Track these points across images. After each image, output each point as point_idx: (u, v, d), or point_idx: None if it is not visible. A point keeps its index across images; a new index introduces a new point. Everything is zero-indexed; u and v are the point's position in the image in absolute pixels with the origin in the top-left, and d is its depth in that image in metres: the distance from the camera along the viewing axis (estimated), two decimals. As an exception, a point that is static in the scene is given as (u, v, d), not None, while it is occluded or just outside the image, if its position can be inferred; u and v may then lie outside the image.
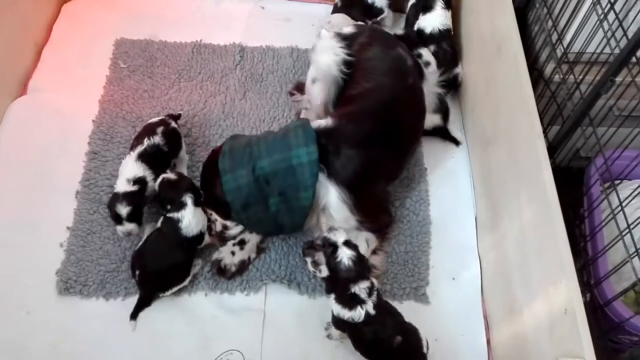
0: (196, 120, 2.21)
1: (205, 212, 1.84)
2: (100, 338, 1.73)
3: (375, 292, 1.59)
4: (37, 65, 2.32)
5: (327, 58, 1.97)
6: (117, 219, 1.78)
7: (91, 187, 2.00)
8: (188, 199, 1.75)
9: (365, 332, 1.60)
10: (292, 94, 2.32)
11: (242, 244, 1.90)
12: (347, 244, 1.60)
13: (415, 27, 2.35)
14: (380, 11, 2.48)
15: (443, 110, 2.23)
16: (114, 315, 1.76)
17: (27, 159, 2.05)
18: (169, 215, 1.76)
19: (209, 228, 1.84)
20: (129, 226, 1.79)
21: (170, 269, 1.76)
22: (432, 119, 2.18)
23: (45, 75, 2.29)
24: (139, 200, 1.80)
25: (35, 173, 2.02)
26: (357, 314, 1.57)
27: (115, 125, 2.16)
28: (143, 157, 1.84)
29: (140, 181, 1.81)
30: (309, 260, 1.86)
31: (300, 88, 2.30)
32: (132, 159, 1.85)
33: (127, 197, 1.77)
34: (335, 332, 1.75)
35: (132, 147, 1.89)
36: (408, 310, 1.85)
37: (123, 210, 1.76)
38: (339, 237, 1.60)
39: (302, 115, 2.20)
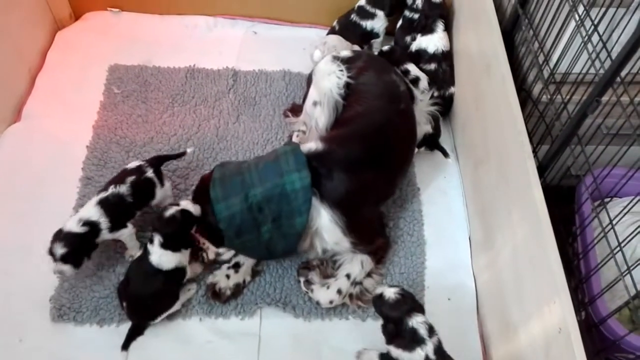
0: (190, 144, 2.22)
1: (197, 241, 1.82)
2: (93, 365, 1.72)
3: (437, 337, 1.54)
4: (31, 91, 2.33)
5: (329, 82, 2.00)
6: (53, 255, 1.69)
7: (85, 212, 2.00)
8: (155, 238, 1.70)
9: None
10: (286, 116, 2.34)
11: (236, 267, 1.89)
12: (391, 286, 1.65)
13: (414, 48, 2.39)
14: (376, 36, 2.52)
15: (435, 124, 2.25)
16: (108, 342, 1.75)
17: (21, 184, 2.05)
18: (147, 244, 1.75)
19: (201, 257, 1.83)
20: (62, 267, 1.68)
21: (154, 297, 1.74)
22: (423, 129, 2.21)
23: (39, 101, 2.30)
24: (82, 245, 1.71)
25: (29, 199, 2.02)
26: (417, 357, 1.51)
27: (109, 150, 2.17)
28: (103, 204, 1.76)
29: (91, 225, 1.72)
30: (302, 279, 1.87)
31: (295, 110, 2.32)
32: (93, 202, 1.77)
33: (68, 237, 1.69)
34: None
35: (101, 190, 1.82)
36: (404, 331, 1.86)
37: (59, 250, 1.67)
38: (384, 287, 1.66)
39: (295, 137, 2.21)
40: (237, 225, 1.72)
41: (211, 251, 1.84)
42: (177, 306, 1.79)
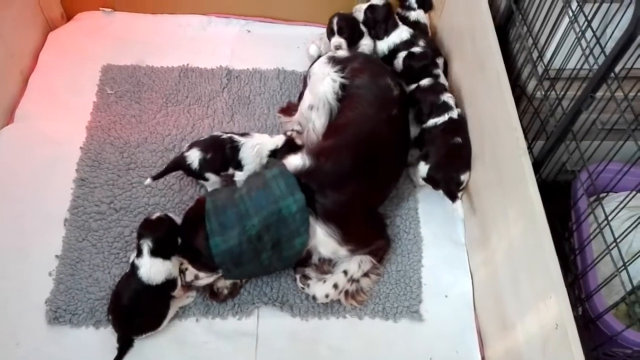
0: (184, 144, 2.20)
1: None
2: (90, 367, 1.71)
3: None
4: (24, 93, 2.32)
5: (323, 87, 2.03)
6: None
7: (79, 214, 1.99)
8: (145, 246, 1.69)
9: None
10: (280, 115, 2.33)
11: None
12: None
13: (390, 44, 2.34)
14: None
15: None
16: (104, 344, 1.74)
17: (15, 187, 2.04)
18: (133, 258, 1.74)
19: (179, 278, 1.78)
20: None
21: (141, 315, 1.72)
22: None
23: (32, 103, 2.29)
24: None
25: (23, 201, 2.01)
26: (442, 118, 2.03)
27: (103, 151, 2.16)
28: None
29: None
30: (298, 276, 1.87)
31: (290, 109, 2.31)
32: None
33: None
34: None
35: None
36: (401, 328, 1.86)
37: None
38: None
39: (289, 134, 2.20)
40: (236, 257, 1.70)
41: (190, 272, 1.78)
42: (161, 327, 1.76)
